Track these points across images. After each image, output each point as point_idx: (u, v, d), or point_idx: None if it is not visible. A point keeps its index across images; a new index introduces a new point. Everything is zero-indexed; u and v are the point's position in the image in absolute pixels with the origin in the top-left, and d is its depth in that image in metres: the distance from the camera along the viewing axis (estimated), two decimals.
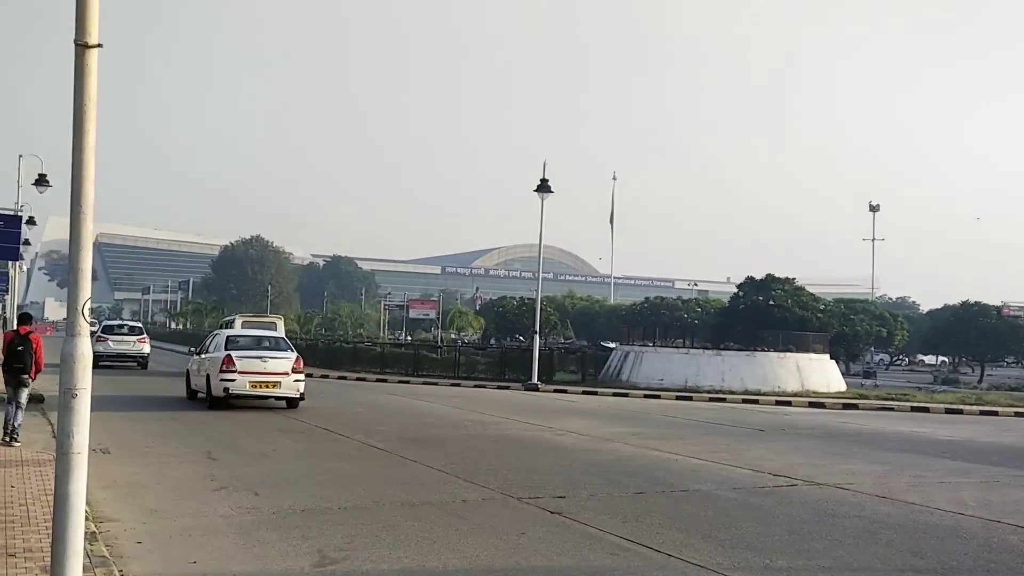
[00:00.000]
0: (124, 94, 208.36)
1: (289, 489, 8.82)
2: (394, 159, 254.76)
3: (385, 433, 13.89)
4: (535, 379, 26.46)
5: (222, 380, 16.56)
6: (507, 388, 26.51)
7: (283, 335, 24.92)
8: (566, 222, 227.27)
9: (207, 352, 17.97)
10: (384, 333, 71.73)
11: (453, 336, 62.44)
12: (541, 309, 53.10)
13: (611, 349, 55.50)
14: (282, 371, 17.05)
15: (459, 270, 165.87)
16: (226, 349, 17.05)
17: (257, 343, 17.77)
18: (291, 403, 17.38)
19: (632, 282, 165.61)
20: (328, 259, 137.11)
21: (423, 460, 11.39)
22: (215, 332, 19.37)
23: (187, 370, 19.31)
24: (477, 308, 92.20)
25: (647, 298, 56.14)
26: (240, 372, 16.58)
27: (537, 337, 27.94)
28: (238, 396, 16.71)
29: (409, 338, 69.31)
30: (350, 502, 8.33)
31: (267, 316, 30.76)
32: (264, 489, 8.81)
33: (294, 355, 17.33)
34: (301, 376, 17.30)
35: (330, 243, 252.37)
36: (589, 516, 7.89)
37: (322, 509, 7.93)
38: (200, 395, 18.08)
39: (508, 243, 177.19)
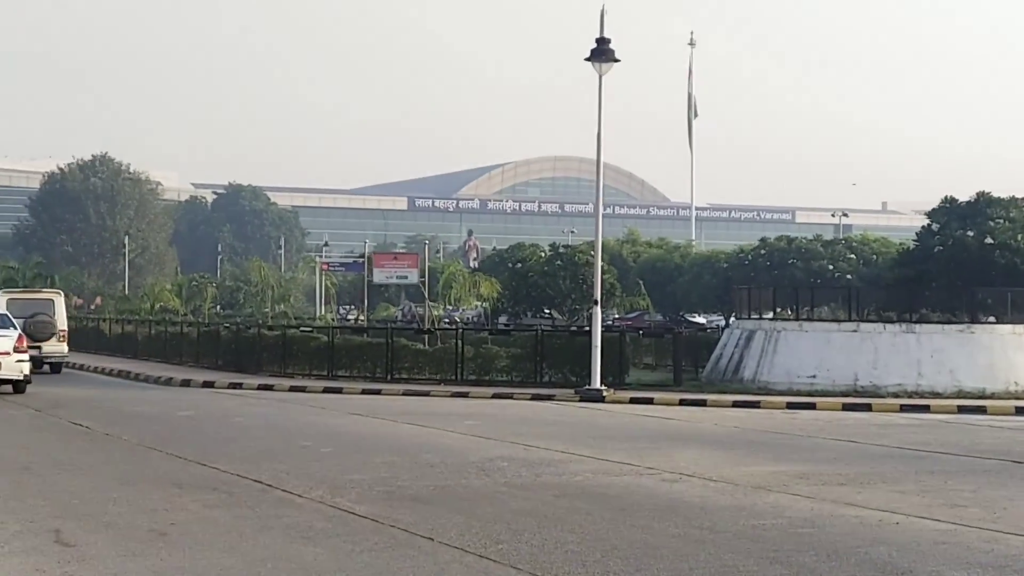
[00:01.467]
0: None
1: None
2: (324, 24, 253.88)
3: (363, 486, 13.51)
4: (597, 382, 26.87)
5: None
6: (550, 398, 27.03)
7: (63, 315, 33.46)
8: (615, 125, 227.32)
9: None
10: (321, 308, 71.27)
11: (444, 313, 62.00)
12: (591, 262, 53.30)
13: (703, 326, 54.99)
14: (1, 351, 23.46)
15: (437, 203, 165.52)
16: None
17: None
18: (17, 387, 24.83)
19: (726, 214, 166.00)
20: (221, 190, 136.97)
21: (444, 536, 10.52)
22: None
23: None
24: (472, 265, 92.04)
25: (764, 240, 55.20)
26: None
27: (599, 311, 27.40)
28: None
29: (362, 319, 68.42)
30: None
31: (40, 291, 35.50)
32: None
33: (16, 332, 24.15)
34: (25, 356, 24.49)
35: (223, 166, 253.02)
36: None
37: None
38: None
39: (516, 157, 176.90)
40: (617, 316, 66.97)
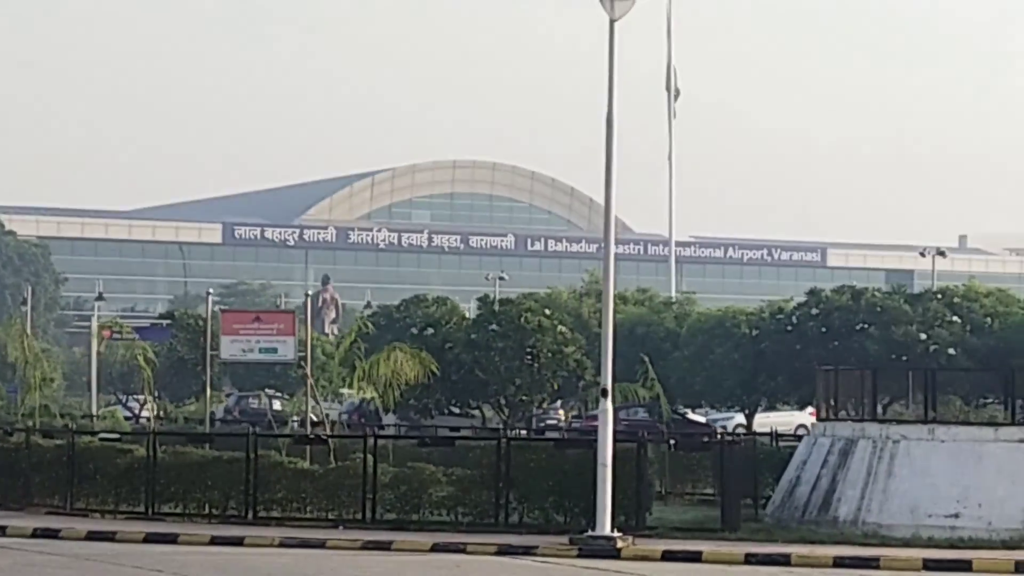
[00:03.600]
0: None
1: None
2: None
3: None
4: (607, 524, 26.69)
5: None
6: (528, 552, 26.90)
7: None
8: (543, 121, 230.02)
9: None
10: (95, 399, 69.08)
11: (292, 408, 60.37)
12: (545, 326, 52.50)
13: (710, 428, 53.83)
14: None
15: (270, 233, 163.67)
16: None
17: None
18: None
19: (720, 253, 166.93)
20: None
21: None
22: None
23: None
24: (329, 331, 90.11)
25: (814, 293, 54.80)
26: None
27: (610, 406, 27.09)
28: None
29: (162, 414, 66.30)
30: None
31: None
32: None
33: None
34: None
35: None
36: None
37: None
38: None
39: (392, 163, 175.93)
40: (575, 415, 66.04)
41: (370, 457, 30.29)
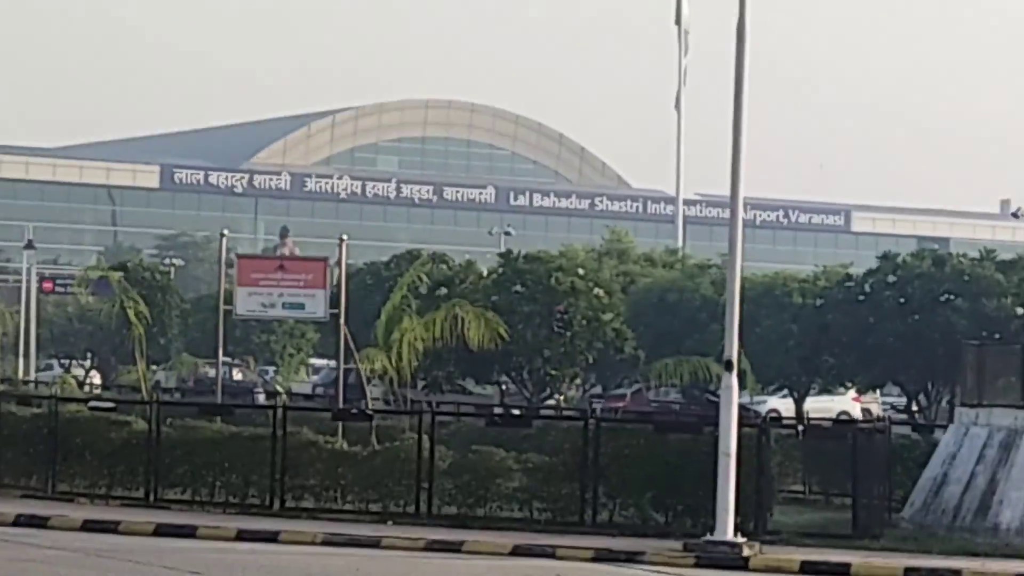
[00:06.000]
0: None
1: None
2: None
3: None
4: (729, 528, 26.28)
5: None
6: (632, 559, 26.25)
7: None
8: (526, 60, 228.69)
9: None
10: (22, 363, 67.98)
11: (256, 377, 58.62)
12: (579, 288, 51.14)
13: (752, 414, 52.76)
14: None
15: (214, 178, 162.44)
16: None
17: None
18: None
19: (727, 214, 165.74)
20: None
21: None
22: None
23: None
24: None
25: (887, 256, 53.78)
26: None
27: (734, 381, 26.97)
28: None
29: (94, 383, 65.49)
30: None
31: None
32: None
33: None
34: None
35: None
36: None
37: None
38: None
39: (354, 100, 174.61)
40: (593, 394, 64.89)
41: (425, 438, 29.48)
